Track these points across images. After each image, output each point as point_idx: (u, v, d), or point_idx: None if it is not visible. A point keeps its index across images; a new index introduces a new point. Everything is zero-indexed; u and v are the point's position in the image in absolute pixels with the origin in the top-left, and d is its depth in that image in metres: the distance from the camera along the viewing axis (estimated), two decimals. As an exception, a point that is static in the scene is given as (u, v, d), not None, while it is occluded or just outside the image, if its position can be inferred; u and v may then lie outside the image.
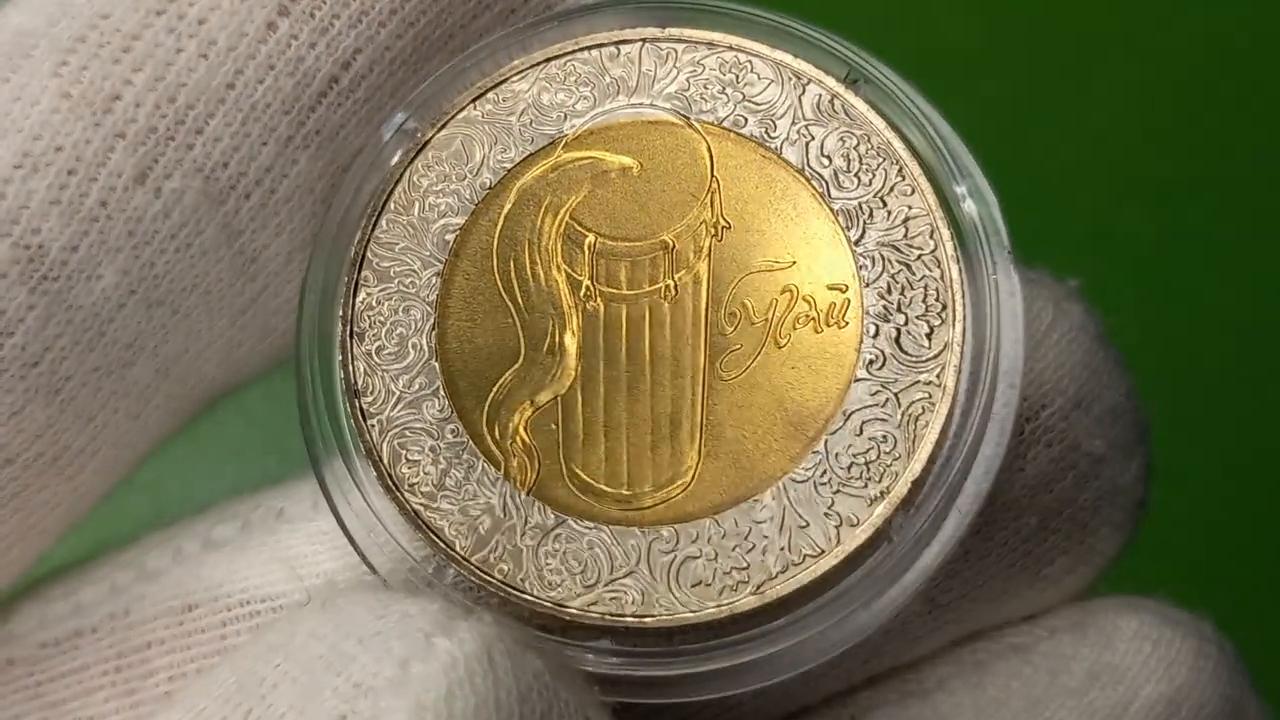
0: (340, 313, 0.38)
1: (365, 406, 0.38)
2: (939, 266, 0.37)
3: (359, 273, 0.38)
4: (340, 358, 0.38)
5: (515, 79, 0.39)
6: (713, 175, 0.38)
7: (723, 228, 0.38)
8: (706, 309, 0.38)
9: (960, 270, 0.37)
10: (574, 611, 0.37)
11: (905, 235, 0.37)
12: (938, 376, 0.37)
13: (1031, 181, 0.42)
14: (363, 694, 0.34)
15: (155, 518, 0.44)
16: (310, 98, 0.40)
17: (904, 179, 0.38)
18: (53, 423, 0.40)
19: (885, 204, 0.38)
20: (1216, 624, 0.43)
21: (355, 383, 0.38)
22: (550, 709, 0.35)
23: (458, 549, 0.37)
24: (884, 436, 0.37)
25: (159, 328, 0.41)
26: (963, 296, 0.37)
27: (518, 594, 0.37)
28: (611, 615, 0.37)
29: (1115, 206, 0.63)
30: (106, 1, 0.39)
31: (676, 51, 0.39)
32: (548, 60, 0.39)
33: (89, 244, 0.39)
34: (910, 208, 0.37)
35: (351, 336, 0.38)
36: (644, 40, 0.39)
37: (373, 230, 0.39)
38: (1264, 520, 0.58)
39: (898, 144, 0.38)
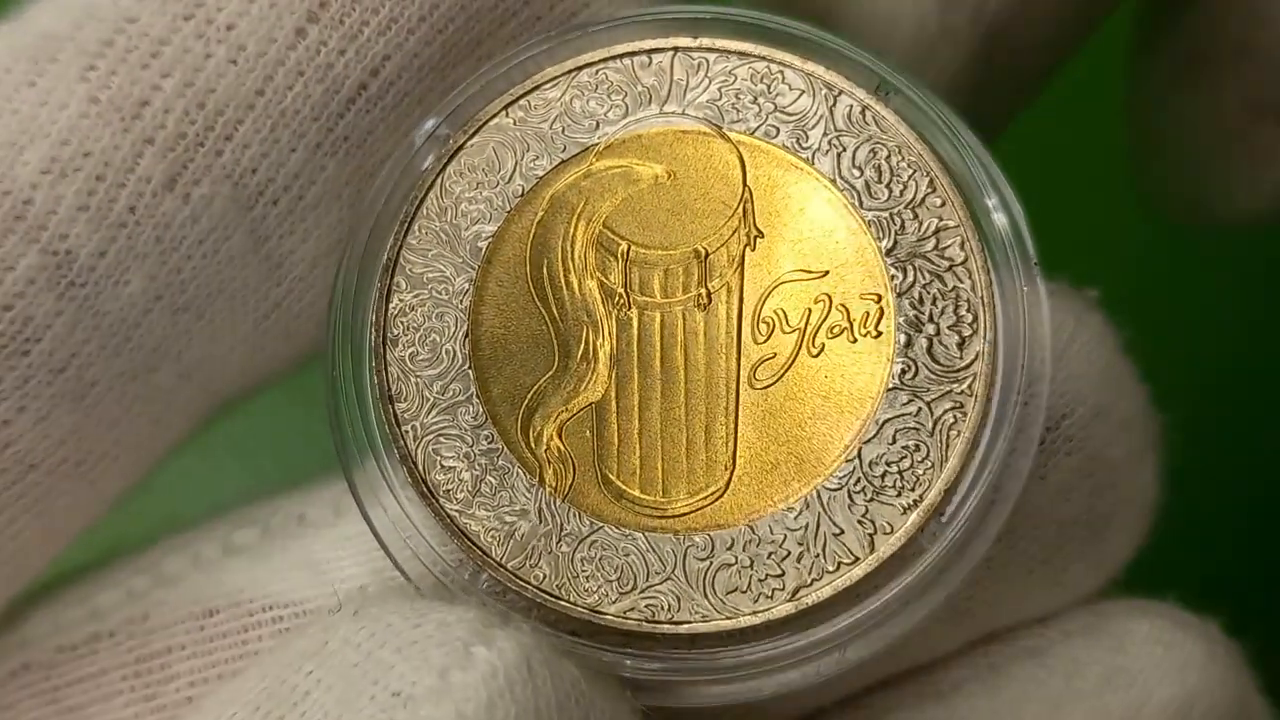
0: (373, 318, 0.38)
1: (399, 412, 0.38)
2: (970, 277, 0.37)
3: (391, 278, 0.38)
4: (373, 363, 0.38)
5: (547, 86, 0.39)
6: (745, 185, 0.38)
7: (755, 237, 0.38)
8: (739, 318, 0.38)
9: (991, 282, 0.37)
10: (610, 617, 0.37)
11: (936, 246, 0.38)
12: (969, 386, 0.37)
13: (1044, 188, 0.42)
14: (401, 703, 0.34)
15: (167, 521, 0.44)
16: (339, 104, 0.40)
17: (934, 190, 0.38)
18: (78, 428, 0.40)
19: (916, 215, 0.38)
20: (1223, 628, 0.44)
21: (389, 388, 0.38)
22: (587, 717, 0.35)
23: (494, 555, 0.38)
24: (916, 445, 0.37)
25: (184, 333, 0.41)
26: (993, 308, 0.37)
27: (554, 600, 0.37)
28: (648, 621, 0.37)
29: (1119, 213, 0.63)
30: (133, 5, 0.39)
31: (708, 61, 0.39)
32: (580, 69, 0.39)
33: (117, 250, 0.39)
34: (941, 219, 0.38)
35: (384, 342, 0.38)
36: (676, 49, 0.39)
37: (405, 236, 0.39)
38: (1267, 524, 0.59)
39: (928, 156, 0.38)
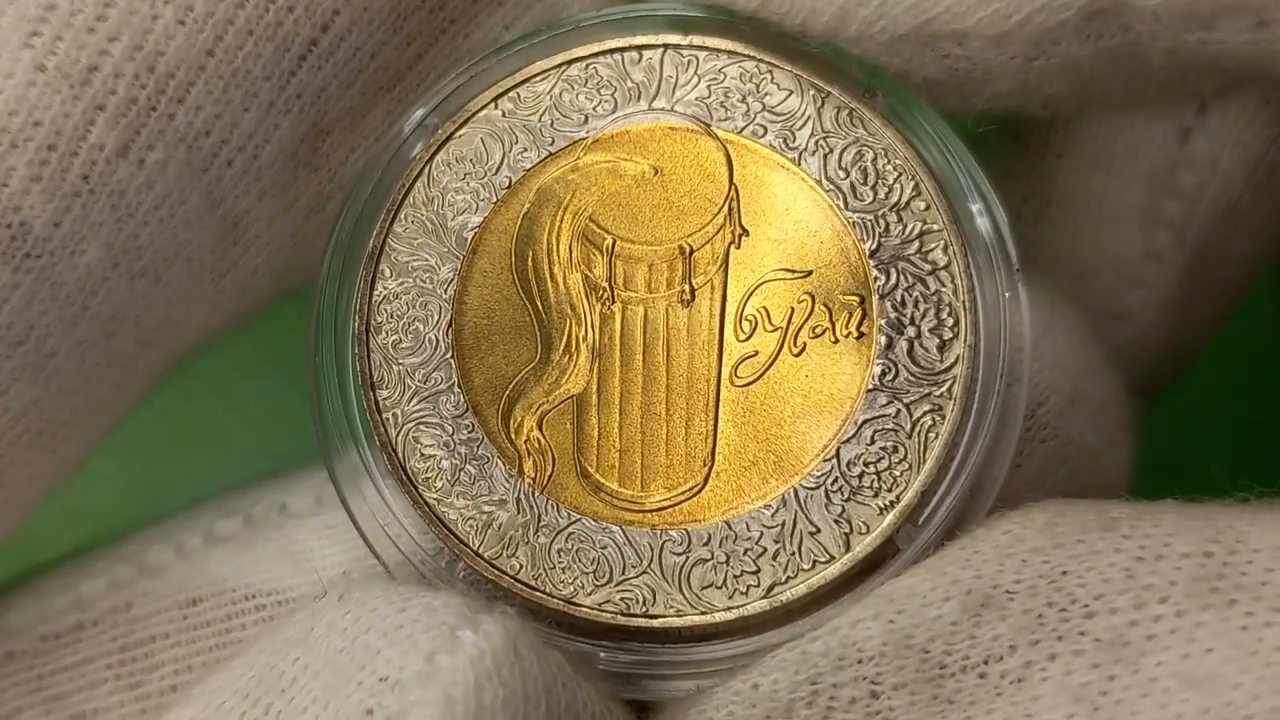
0: (357, 305, 0.38)
1: (381, 399, 0.38)
2: (952, 281, 0.38)
3: (376, 266, 0.38)
4: (355, 350, 0.38)
5: (537, 80, 0.39)
6: (731, 183, 0.38)
7: (740, 235, 0.38)
8: (722, 315, 0.38)
9: (973, 285, 0.38)
10: (585, 609, 0.38)
11: (920, 249, 0.38)
12: (949, 390, 0.38)
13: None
14: (389, 688, 0.34)
15: (147, 509, 0.44)
16: (290, 61, 0.39)
17: (919, 194, 0.38)
18: (38, 399, 0.39)
19: (901, 218, 0.38)
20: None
21: (371, 375, 0.38)
22: (575, 699, 0.36)
23: (470, 544, 0.38)
24: (895, 447, 0.38)
25: (141, 297, 0.40)
26: (974, 311, 0.38)
27: (529, 590, 0.38)
28: (622, 614, 0.38)
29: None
30: None
31: (698, 59, 0.39)
32: (570, 63, 0.39)
33: (72, 219, 0.38)
34: (925, 222, 0.38)
35: (368, 329, 0.38)
36: (666, 46, 0.39)
37: (391, 224, 0.39)
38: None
39: (914, 159, 0.38)
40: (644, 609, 0.38)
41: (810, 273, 0.38)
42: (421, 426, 0.38)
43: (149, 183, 0.39)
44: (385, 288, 0.38)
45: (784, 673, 0.36)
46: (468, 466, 0.38)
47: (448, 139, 0.39)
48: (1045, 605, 0.36)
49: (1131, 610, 0.35)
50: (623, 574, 0.38)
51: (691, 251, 0.38)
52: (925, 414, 0.38)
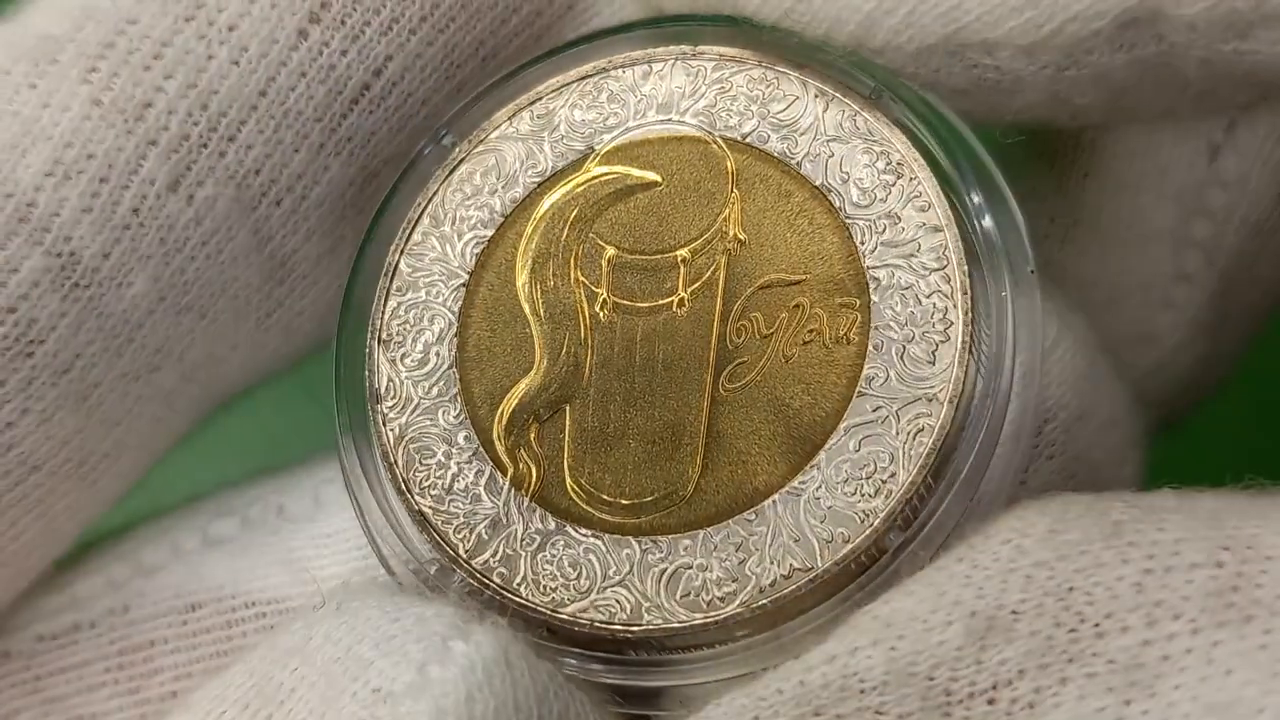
0: (371, 319, 0.39)
1: (385, 411, 0.39)
2: (948, 284, 0.37)
3: (391, 282, 0.39)
4: (367, 362, 0.39)
5: (550, 96, 0.40)
6: (732, 190, 0.38)
7: (738, 242, 0.38)
8: (716, 323, 0.38)
9: (970, 290, 0.37)
10: (565, 618, 0.37)
11: (917, 252, 0.37)
12: (940, 394, 0.37)
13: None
14: (382, 699, 0.34)
15: (144, 505, 0.44)
16: (342, 105, 0.40)
17: (920, 197, 0.37)
18: (80, 429, 0.40)
19: (899, 221, 0.37)
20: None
21: (378, 387, 0.39)
22: (567, 709, 0.35)
23: (460, 552, 0.38)
24: (880, 453, 0.37)
25: (186, 333, 0.41)
26: (969, 316, 0.37)
27: (513, 598, 0.38)
28: (601, 623, 0.37)
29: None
30: (133, 7, 0.39)
31: (706, 69, 0.39)
32: (583, 78, 0.40)
33: (120, 252, 0.39)
34: (924, 225, 0.37)
35: (379, 343, 0.39)
36: (675, 58, 0.39)
37: (406, 242, 0.40)
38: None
39: (918, 162, 0.38)
40: (624, 618, 0.37)
41: (805, 278, 0.38)
42: (422, 437, 0.39)
43: (197, 218, 0.40)
44: (398, 302, 0.39)
45: (784, 707, 0.34)
46: (463, 476, 0.38)
47: (464, 157, 0.40)
48: (1053, 626, 0.33)
49: (1144, 629, 0.33)
50: (604, 582, 0.37)
51: (689, 260, 0.38)
52: (914, 419, 0.36)
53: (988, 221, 0.38)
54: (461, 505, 0.38)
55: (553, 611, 0.37)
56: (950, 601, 0.34)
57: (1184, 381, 0.45)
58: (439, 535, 0.38)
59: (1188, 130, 0.43)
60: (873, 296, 0.37)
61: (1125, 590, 0.33)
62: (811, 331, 0.37)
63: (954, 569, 0.34)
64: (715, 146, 0.39)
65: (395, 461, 0.38)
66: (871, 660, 0.34)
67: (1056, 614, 0.33)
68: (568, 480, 0.38)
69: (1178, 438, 0.46)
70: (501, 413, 0.38)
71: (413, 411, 0.39)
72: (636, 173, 0.39)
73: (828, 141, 0.38)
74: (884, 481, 0.36)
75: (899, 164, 0.38)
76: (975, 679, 0.34)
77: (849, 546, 0.36)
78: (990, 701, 0.33)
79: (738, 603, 0.37)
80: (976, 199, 0.38)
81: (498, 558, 0.38)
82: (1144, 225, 0.43)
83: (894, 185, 0.38)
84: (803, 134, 0.38)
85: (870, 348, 0.37)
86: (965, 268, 0.37)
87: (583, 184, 0.39)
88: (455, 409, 0.39)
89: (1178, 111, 0.41)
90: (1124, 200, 0.44)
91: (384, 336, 0.39)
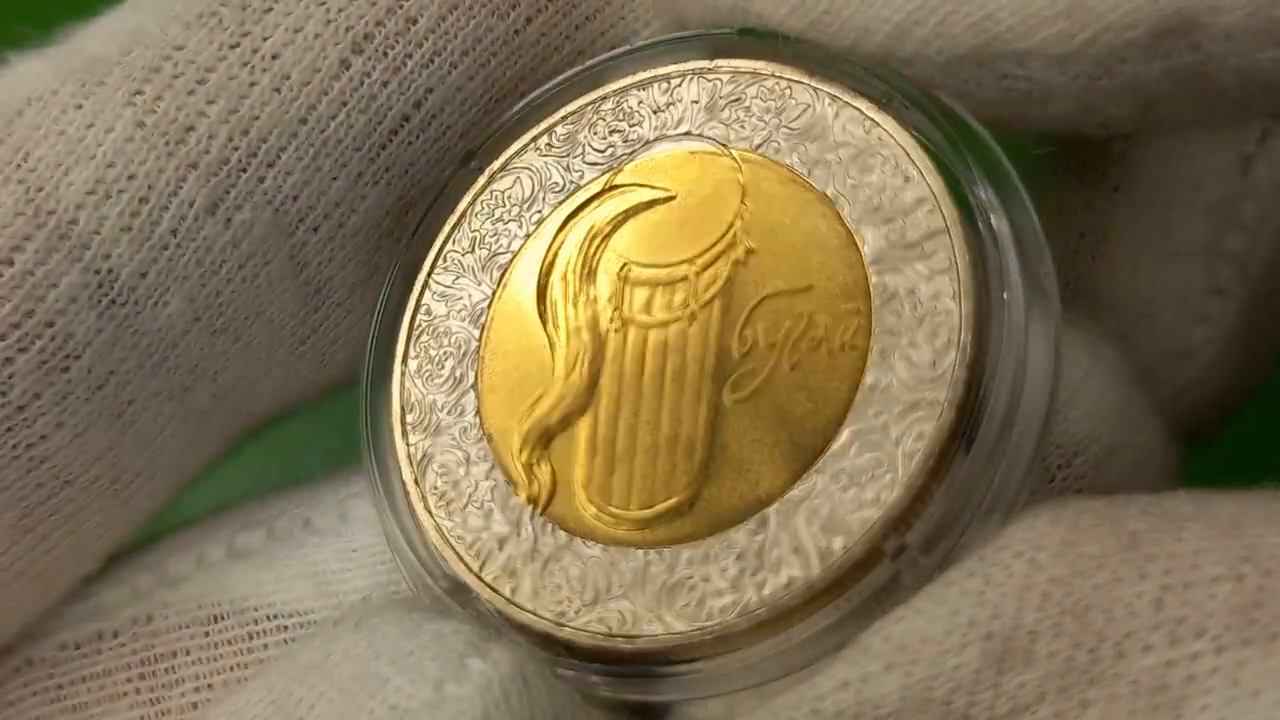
0: (400, 338, 0.40)
1: (409, 426, 0.40)
2: (955, 288, 0.37)
3: (419, 301, 0.40)
4: (394, 380, 0.40)
5: (572, 118, 0.41)
6: (742, 202, 0.39)
7: (748, 252, 0.38)
8: (723, 333, 0.38)
9: (976, 297, 0.37)
10: (569, 631, 0.37)
11: (922, 255, 0.37)
12: (938, 397, 0.36)
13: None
14: (398, 717, 0.34)
15: (170, 515, 0.44)
16: (382, 135, 0.41)
17: (927, 202, 0.38)
18: (114, 445, 0.40)
19: (905, 226, 0.38)
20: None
21: (404, 403, 0.40)
22: None
23: (471, 566, 0.38)
24: (880, 460, 0.36)
25: (221, 354, 0.41)
26: (975, 323, 0.37)
27: (519, 611, 0.38)
28: (603, 635, 0.37)
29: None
30: (180, 33, 0.40)
31: (721, 81, 0.40)
32: (604, 98, 0.40)
33: (158, 271, 0.40)
34: (932, 230, 0.37)
35: (405, 359, 0.40)
36: (693, 73, 0.40)
37: (435, 263, 0.40)
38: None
39: (928, 168, 0.38)
40: (625, 630, 0.37)
41: (811, 286, 0.38)
42: (441, 452, 0.39)
43: (234, 241, 0.40)
44: (425, 320, 0.40)
45: None
46: (479, 491, 0.39)
47: (490, 181, 0.41)
48: (1073, 646, 0.33)
49: (1167, 648, 0.32)
50: (608, 594, 0.37)
51: (698, 273, 0.39)
52: (913, 422, 0.36)
53: (999, 226, 0.37)
54: (476, 519, 0.39)
55: (557, 625, 0.37)
56: (965, 622, 0.34)
57: (1218, 395, 0.44)
58: (453, 549, 0.38)
59: (1220, 142, 0.42)
60: (876, 301, 0.37)
61: (1145, 608, 0.33)
62: (816, 339, 0.38)
63: (966, 585, 0.34)
64: (727, 158, 0.39)
65: (417, 477, 0.39)
66: (886, 686, 0.34)
67: (1075, 634, 0.33)
68: (577, 494, 0.38)
69: (1206, 446, 0.45)
70: (519, 429, 0.39)
71: (434, 428, 0.39)
72: (652, 188, 0.40)
73: (837, 148, 0.38)
74: (883, 487, 0.36)
75: (908, 171, 0.38)
76: (994, 704, 0.33)
77: (847, 553, 0.36)
78: None
79: (736, 613, 0.36)
80: (987, 203, 0.37)
81: (508, 571, 0.38)
82: (1176, 239, 0.43)
83: (901, 190, 0.38)
84: (813, 142, 0.39)
85: (872, 354, 0.37)
86: (972, 275, 0.37)
87: (601, 202, 0.40)
88: (474, 424, 0.39)
89: (1211, 121, 0.40)
90: (1155, 214, 0.43)
91: (411, 353, 0.40)
